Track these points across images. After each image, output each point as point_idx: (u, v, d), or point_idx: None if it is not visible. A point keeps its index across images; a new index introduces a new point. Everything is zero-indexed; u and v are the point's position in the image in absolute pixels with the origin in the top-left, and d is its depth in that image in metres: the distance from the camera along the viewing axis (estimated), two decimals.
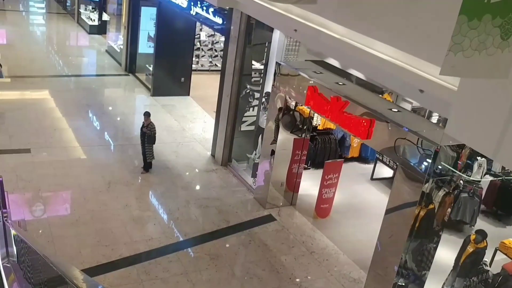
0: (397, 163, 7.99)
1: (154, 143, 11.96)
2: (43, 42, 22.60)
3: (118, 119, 14.48)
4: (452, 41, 3.55)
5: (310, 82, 9.49)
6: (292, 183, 11.37)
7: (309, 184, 12.05)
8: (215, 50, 20.44)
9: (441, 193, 8.17)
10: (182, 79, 17.19)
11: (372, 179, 13.25)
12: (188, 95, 17.40)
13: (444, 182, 7.93)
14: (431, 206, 7.98)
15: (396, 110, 8.42)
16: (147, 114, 11.88)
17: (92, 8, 24.82)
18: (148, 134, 11.78)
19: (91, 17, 24.51)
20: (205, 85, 18.58)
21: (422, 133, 7.54)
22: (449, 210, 8.53)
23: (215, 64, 20.48)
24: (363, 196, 12.46)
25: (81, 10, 25.38)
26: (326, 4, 6.86)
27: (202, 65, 20.16)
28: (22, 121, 13.91)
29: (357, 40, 6.74)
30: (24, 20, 26.63)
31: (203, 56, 20.19)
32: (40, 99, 15.84)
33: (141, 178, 11.84)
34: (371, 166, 13.65)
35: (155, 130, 11.87)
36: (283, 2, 6.78)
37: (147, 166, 12.10)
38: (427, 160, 7.44)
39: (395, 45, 5.98)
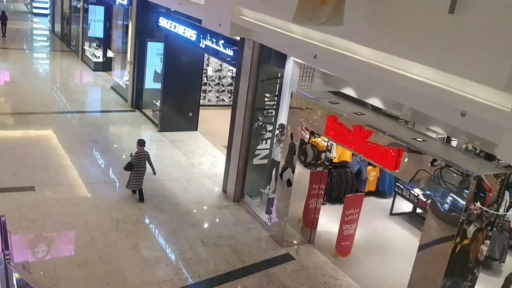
0: (430, 195, 7.47)
1: (129, 170, 11.60)
2: (47, 79, 22.38)
3: (123, 156, 14.02)
4: None
5: (330, 111, 9.05)
6: (310, 219, 10.79)
7: (327, 220, 11.48)
8: (222, 85, 20.16)
9: (472, 228, 7.63)
10: (190, 113, 16.83)
11: (391, 214, 12.67)
12: (196, 129, 17.00)
13: (475, 216, 7.40)
14: (465, 242, 7.42)
15: (421, 139, 7.98)
16: (138, 143, 11.70)
17: (97, 45, 24.72)
18: (129, 161, 11.58)
19: (95, 54, 24.38)
20: (213, 120, 18.23)
21: (457, 162, 7.04)
22: (482, 247, 7.96)
23: (222, 99, 20.17)
24: (383, 232, 11.86)
25: (85, 47, 25.29)
26: (353, 26, 6.46)
27: (209, 100, 19.83)
28: (26, 157, 13.44)
29: (387, 63, 6.31)
30: (27, 58, 26.52)
31: (210, 91, 19.88)
32: (45, 136, 15.41)
33: (150, 216, 11.26)
34: (389, 200, 13.11)
35: (136, 158, 11.53)
36: (308, 24, 6.37)
37: (139, 195, 11.85)
38: (464, 191, 6.92)
39: (434, 65, 5.55)
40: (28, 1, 40.25)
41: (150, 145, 15.52)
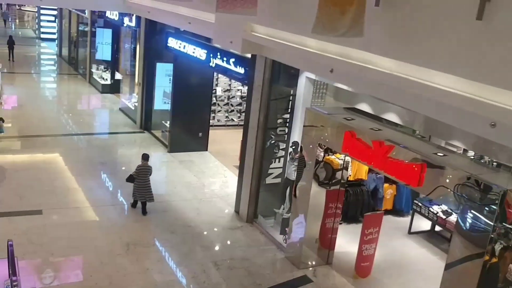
0: (455, 212, 7.12)
1: (130, 181, 11.89)
2: (54, 102, 22.27)
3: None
4: None
5: (347, 127, 8.76)
6: (327, 240, 10.41)
7: (344, 240, 11.09)
8: (231, 105, 19.94)
9: (499, 246, 7.25)
10: (200, 133, 16.59)
11: (409, 232, 12.26)
12: (206, 150, 16.74)
13: (501, 234, 7.04)
14: (494, 260, 7.04)
15: (442, 154, 7.66)
16: (142, 157, 12.05)
17: (104, 68, 24.68)
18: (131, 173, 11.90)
19: (103, 76, 24.32)
20: (223, 140, 17.97)
21: (484, 177, 6.71)
22: (511, 266, 7.56)
23: (232, 119, 19.94)
24: (403, 251, 11.45)
25: (93, 70, 25.24)
26: (373, 37, 6.21)
27: (218, 120, 19.59)
28: (33, 181, 13.18)
29: (410, 73, 6.04)
30: (35, 81, 26.48)
31: (219, 111, 19.66)
32: (52, 158, 15.18)
33: (162, 238, 10.92)
34: (406, 219, 12.73)
35: (136, 172, 11.82)
36: (328, 35, 6.13)
37: (142, 208, 11.95)
38: (492, 206, 6.58)
39: (461, 74, 5.27)
40: (36, 26, 40.50)
41: (160, 166, 15.28)
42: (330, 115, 9.31)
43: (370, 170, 12.45)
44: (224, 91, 19.73)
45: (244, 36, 9.79)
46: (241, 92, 19.89)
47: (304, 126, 9.88)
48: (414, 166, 7.42)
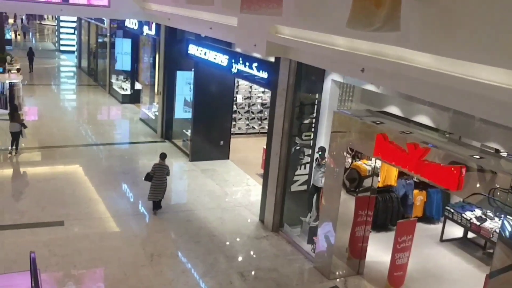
0: (500, 216, 6.69)
1: (148, 180, 12.02)
2: (74, 113, 22.20)
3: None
4: None
5: (378, 129, 8.39)
6: (357, 249, 10.00)
7: (374, 249, 10.65)
8: (252, 113, 19.64)
9: None
10: (222, 142, 16.31)
11: (441, 240, 11.77)
12: (228, 158, 16.44)
13: None
14: None
15: (478, 156, 7.24)
16: (160, 156, 12.18)
17: (124, 78, 24.61)
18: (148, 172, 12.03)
19: (123, 86, 24.25)
20: (244, 148, 17.67)
21: None
22: None
23: (252, 127, 19.63)
24: (436, 260, 10.99)
25: (113, 81, 25.18)
26: (409, 31, 5.84)
27: (239, 128, 19.29)
28: (55, 192, 13.01)
29: (451, 69, 5.65)
30: (54, 93, 26.49)
31: (239, 119, 19.38)
32: (73, 169, 15.03)
33: (186, 248, 10.62)
34: (437, 226, 12.27)
35: (153, 170, 11.94)
36: (363, 29, 5.78)
37: (155, 206, 12.18)
38: None
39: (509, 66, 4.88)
40: (56, 39, 40.82)
41: (182, 175, 15.03)
42: (360, 118, 8.95)
43: (399, 176, 12.03)
44: (245, 99, 19.45)
45: (269, 39, 9.50)
46: (261, 99, 19.61)
47: (332, 131, 9.51)
48: (452, 169, 7.01)
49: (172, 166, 14.81)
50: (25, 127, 15.61)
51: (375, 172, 9.70)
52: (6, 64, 22.67)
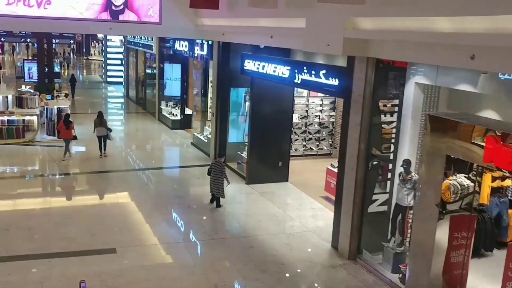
0: None
1: (208, 175, 12.86)
2: (123, 139, 21.50)
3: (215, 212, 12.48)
4: None
5: (489, 131, 6.99)
6: (454, 277, 8.45)
7: (473, 277, 9.05)
8: (309, 133, 18.39)
9: None
10: (280, 163, 15.10)
11: None
12: (287, 181, 15.18)
13: None
14: None
15: None
16: (218, 154, 13.64)
17: (174, 104, 23.95)
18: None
19: (172, 112, 23.56)
20: (302, 170, 16.40)
21: None
22: None
23: (310, 148, 18.34)
24: None
25: (162, 107, 24.56)
26: None
27: (296, 150, 18.02)
28: (105, 217, 12.03)
29: None
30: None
31: (296, 139, 18.14)
32: (124, 194, 14.05)
33: (252, 278, 9.32)
34: None
35: (210, 165, 12.93)
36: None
37: (213, 199, 12.92)
38: None
39: None
40: (103, 71, 41.14)
41: (239, 198, 13.86)
42: (460, 119, 7.57)
43: (492, 193, 10.46)
44: (301, 118, 18.26)
45: (346, 35, 8.34)
46: (319, 118, 18.38)
47: (424, 135, 8.14)
48: None
49: (228, 190, 13.64)
50: (110, 130, 17.32)
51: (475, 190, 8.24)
52: (55, 91, 22.49)
